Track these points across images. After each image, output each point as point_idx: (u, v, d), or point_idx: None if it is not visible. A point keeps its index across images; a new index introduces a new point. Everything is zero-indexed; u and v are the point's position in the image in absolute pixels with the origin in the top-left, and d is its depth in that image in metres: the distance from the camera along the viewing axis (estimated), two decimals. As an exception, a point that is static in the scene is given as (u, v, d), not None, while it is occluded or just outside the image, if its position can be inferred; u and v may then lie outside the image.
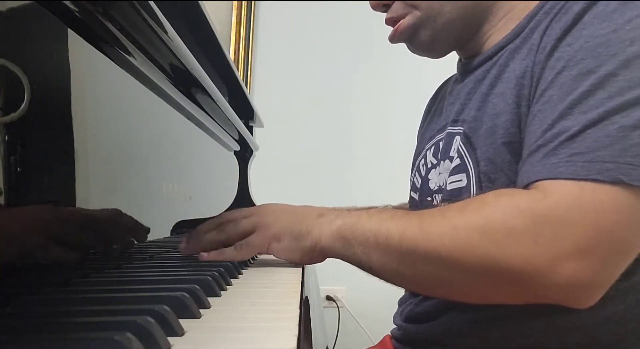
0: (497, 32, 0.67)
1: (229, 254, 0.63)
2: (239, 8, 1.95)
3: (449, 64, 0.80)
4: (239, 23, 1.95)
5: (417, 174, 0.77)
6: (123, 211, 0.58)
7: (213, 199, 1.07)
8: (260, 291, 0.50)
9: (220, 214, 0.69)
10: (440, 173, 0.69)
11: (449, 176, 0.65)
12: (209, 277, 0.46)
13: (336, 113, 1.96)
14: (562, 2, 0.57)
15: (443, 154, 0.69)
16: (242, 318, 0.38)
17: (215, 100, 0.85)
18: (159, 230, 0.72)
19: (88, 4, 0.46)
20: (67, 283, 0.45)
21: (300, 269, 0.64)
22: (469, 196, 0.60)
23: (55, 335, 0.28)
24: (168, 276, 0.50)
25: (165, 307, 0.32)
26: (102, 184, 0.53)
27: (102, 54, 0.53)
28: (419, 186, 0.76)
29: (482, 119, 0.61)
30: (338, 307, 1.84)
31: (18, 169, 0.37)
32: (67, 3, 0.44)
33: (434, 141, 0.74)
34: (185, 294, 0.37)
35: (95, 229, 0.52)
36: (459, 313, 0.63)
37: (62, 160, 0.45)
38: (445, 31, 0.68)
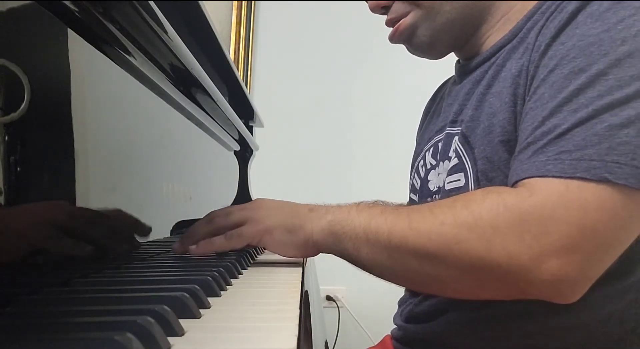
0: (495, 32, 0.67)
1: (218, 242, 0.63)
2: (239, 8, 1.95)
3: (448, 64, 0.80)
4: (239, 23, 1.95)
5: (416, 175, 0.77)
6: (123, 211, 0.58)
7: (213, 199, 1.07)
8: (260, 291, 0.50)
9: (212, 211, 0.68)
10: (439, 174, 0.69)
11: (447, 175, 0.65)
12: (209, 277, 0.46)
13: (336, 113, 1.96)
14: (558, 2, 0.57)
15: (442, 155, 0.69)
16: (242, 318, 0.38)
17: (215, 100, 0.85)
18: (159, 230, 0.72)
19: (88, 4, 0.46)
20: (67, 283, 0.45)
21: (300, 269, 0.64)
22: None
23: (55, 335, 0.28)
24: (168, 276, 0.50)
25: (165, 307, 0.32)
26: (102, 184, 0.53)
27: (102, 54, 0.53)
28: (418, 188, 0.76)
29: (479, 119, 0.61)
30: (338, 307, 1.84)
31: (18, 169, 0.37)
32: (67, 3, 0.44)
33: (432, 142, 0.74)
34: (185, 294, 0.37)
35: (97, 227, 0.52)
36: (459, 313, 0.63)
37: (62, 160, 0.45)
38: (445, 31, 0.68)
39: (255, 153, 1.37)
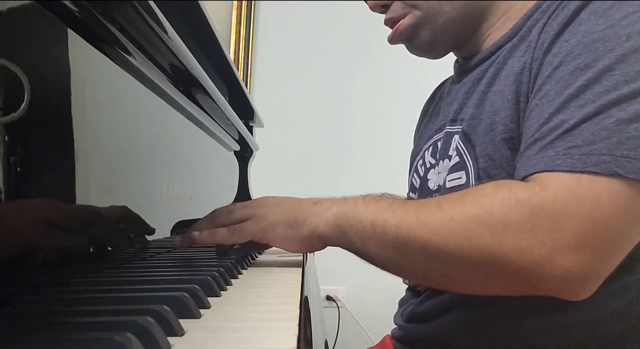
0: (495, 31, 0.67)
1: (221, 234, 0.62)
2: (239, 8, 1.95)
3: (448, 64, 0.80)
4: (239, 23, 1.95)
5: (415, 174, 0.77)
6: (128, 209, 0.58)
7: (213, 199, 1.07)
8: (260, 291, 0.50)
9: (216, 209, 0.68)
10: (439, 173, 0.69)
11: (448, 173, 0.65)
12: (209, 277, 0.46)
13: (336, 113, 1.96)
14: (559, 0, 0.57)
15: (442, 154, 0.69)
16: (242, 318, 0.38)
17: (215, 100, 0.85)
18: (159, 230, 0.72)
19: (88, 4, 0.46)
20: (67, 283, 0.45)
21: (300, 269, 0.64)
22: None
23: (55, 335, 0.28)
24: (168, 276, 0.50)
25: (165, 307, 0.32)
26: (102, 184, 0.53)
27: (102, 54, 0.53)
28: (417, 187, 0.76)
29: (480, 117, 0.61)
30: (338, 307, 1.84)
31: (18, 169, 0.37)
32: (67, 3, 0.44)
33: (432, 141, 0.74)
34: (185, 294, 0.37)
35: (99, 226, 0.52)
36: (461, 312, 0.63)
37: (62, 160, 0.45)
38: (445, 31, 0.68)
39: (255, 153, 1.37)
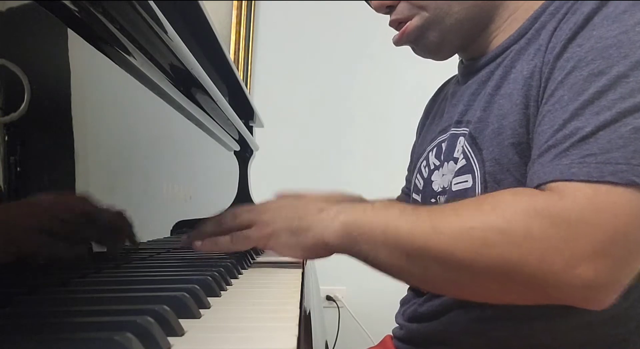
0: (502, 33, 0.67)
1: (223, 243, 0.61)
2: (239, 8, 1.95)
3: (449, 64, 0.80)
4: (239, 23, 1.95)
5: (418, 175, 0.77)
6: (122, 212, 0.58)
7: (213, 199, 1.07)
8: (260, 291, 0.50)
9: (224, 211, 0.67)
10: (443, 174, 0.69)
11: (454, 176, 0.64)
12: (209, 277, 0.46)
13: (336, 113, 1.96)
14: (569, 2, 0.57)
15: (446, 156, 0.69)
16: (242, 318, 0.38)
17: (215, 100, 0.85)
18: (159, 230, 0.72)
19: (88, 4, 0.46)
20: (67, 283, 0.45)
21: (300, 269, 0.64)
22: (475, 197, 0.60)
23: (55, 335, 0.28)
24: (168, 276, 0.50)
25: (165, 307, 0.32)
26: (102, 184, 0.53)
27: (102, 54, 0.53)
28: (421, 188, 0.75)
29: (487, 120, 0.61)
30: (338, 307, 1.84)
31: (18, 169, 0.37)
32: (67, 3, 0.44)
33: (436, 142, 0.73)
34: (185, 294, 0.37)
35: (96, 227, 0.52)
36: (463, 312, 0.63)
37: (62, 160, 0.45)
38: (453, 32, 0.67)
39: (255, 153, 1.37)
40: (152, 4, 0.53)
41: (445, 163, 0.68)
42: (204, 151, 1.00)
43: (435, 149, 0.73)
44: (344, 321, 1.83)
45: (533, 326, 0.58)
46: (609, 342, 0.57)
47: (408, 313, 0.73)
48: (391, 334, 0.81)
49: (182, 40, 0.64)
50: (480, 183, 0.60)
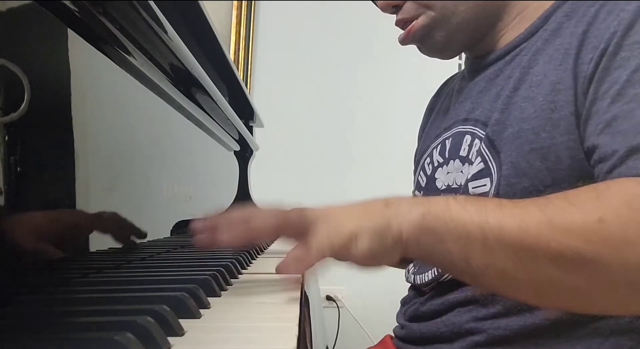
0: (510, 31, 0.66)
1: (311, 256, 0.47)
2: (239, 8, 1.95)
3: (449, 63, 0.80)
4: (239, 23, 1.95)
5: (422, 172, 0.76)
6: (123, 211, 0.58)
7: (213, 199, 1.07)
8: (260, 291, 0.50)
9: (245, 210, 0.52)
10: (448, 172, 0.69)
11: (471, 180, 0.63)
12: (209, 277, 0.46)
13: (336, 113, 1.96)
14: (594, 2, 0.56)
15: (451, 153, 0.68)
16: (242, 318, 0.38)
17: (215, 100, 0.85)
18: (159, 230, 0.72)
19: (88, 4, 0.46)
20: (67, 283, 0.45)
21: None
22: None
23: (55, 335, 0.28)
24: (168, 276, 0.50)
25: (165, 307, 0.32)
26: (102, 184, 0.53)
27: (102, 54, 0.53)
28: (424, 185, 0.75)
29: (506, 123, 0.60)
30: (338, 307, 1.84)
31: (18, 169, 0.37)
32: (67, 3, 0.44)
33: (440, 139, 0.73)
34: (185, 294, 0.37)
35: (95, 229, 0.52)
36: (465, 311, 0.63)
37: (62, 160, 0.45)
38: (460, 31, 0.67)
39: (255, 153, 1.37)
40: (152, 4, 0.53)
41: (451, 161, 0.68)
42: (204, 151, 1.00)
43: (439, 146, 0.72)
44: (344, 321, 1.83)
45: (536, 324, 0.58)
46: (612, 338, 0.57)
47: (409, 313, 0.73)
48: (391, 334, 0.81)
49: (182, 40, 0.64)
50: (496, 187, 0.59)
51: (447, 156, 0.70)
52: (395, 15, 0.70)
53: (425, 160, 0.76)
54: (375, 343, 0.86)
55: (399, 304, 0.80)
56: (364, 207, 0.49)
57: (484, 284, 0.50)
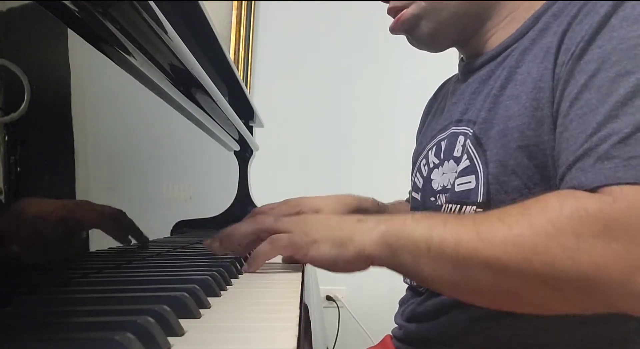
0: (500, 30, 0.67)
1: (263, 249, 0.58)
2: (239, 8, 1.95)
3: (449, 64, 0.80)
4: (239, 23, 1.95)
5: (418, 174, 0.77)
6: (123, 211, 0.58)
7: (213, 199, 1.07)
8: (260, 291, 0.50)
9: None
10: (443, 173, 0.69)
11: (458, 177, 0.64)
12: (209, 277, 0.46)
13: (336, 113, 1.96)
14: (574, 2, 0.56)
15: (446, 154, 0.69)
16: (242, 318, 0.38)
17: (215, 100, 0.85)
18: (159, 230, 0.72)
19: (88, 4, 0.46)
20: (67, 283, 0.45)
21: (300, 269, 0.64)
22: (477, 198, 0.60)
23: (55, 335, 0.28)
24: (168, 276, 0.50)
25: (165, 307, 0.32)
26: (102, 184, 0.53)
27: (102, 54, 0.53)
28: (420, 186, 0.75)
29: (492, 121, 0.60)
30: (338, 307, 1.84)
31: (18, 169, 0.37)
32: (67, 3, 0.44)
33: (435, 140, 0.73)
34: (185, 294, 0.37)
35: (97, 227, 0.52)
36: (462, 312, 0.63)
37: (62, 160, 0.45)
38: (448, 25, 0.68)
39: (255, 153, 1.37)
40: (152, 4, 0.53)
41: (445, 162, 0.68)
42: (204, 151, 1.00)
43: (435, 148, 0.73)
44: (344, 321, 1.83)
45: (533, 325, 0.58)
46: (609, 341, 0.57)
47: (407, 313, 0.73)
48: (391, 334, 0.81)
49: (182, 40, 0.64)
50: (483, 184, 0.60)
51: (442, 157, 0.70)
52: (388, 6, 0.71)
53: (421, 161, 0.76)
54: (375, 343, 0.86)
55: (398, 305, 0.80)
56: (339, 220, 0.58)
57: (436, 289, 0.57)
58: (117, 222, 0.58)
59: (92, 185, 0.50)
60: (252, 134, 1.38)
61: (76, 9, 0.45)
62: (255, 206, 1.24)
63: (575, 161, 0.50)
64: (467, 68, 0.72)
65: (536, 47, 0.60)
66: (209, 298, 0.41)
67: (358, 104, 1.96)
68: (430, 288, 0.55)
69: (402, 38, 0.74)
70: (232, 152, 1.26)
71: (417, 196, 0.77)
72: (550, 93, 0.56)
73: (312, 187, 1.85)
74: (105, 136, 0.55)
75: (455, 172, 0.66)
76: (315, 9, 1.95)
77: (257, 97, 1.91)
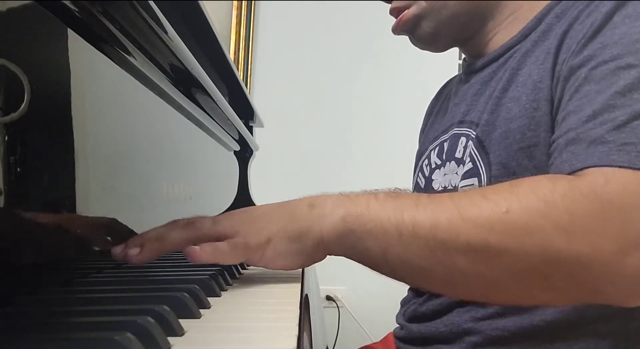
0: (502, 31, 0.67)
1: (204, 253, 0.48)
2: (239, 8, 1.95)
3: (449, 64, 0.80)
4: (239, 23, 1.95)
5: (420, 174, 0.77)
6: (123, 211, 0.58)
7: (213, 199, 1.07)
8: (260, 291, 0.50)
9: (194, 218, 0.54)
10: (445, 174, 0.69)
11: (461, 179, 0.64)
12: (209, 277, 0.46)
13: (336, 113, 1.96)
14: (577, 3, 0.57)
15: (448, 155, 0.69)
16: (242, 318, 0.38)
17: (215, 100, 0.85)
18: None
19: (88, 4, 0.46)
20: (67, 283, 0.45)
21: (300, 269, 0.64)
22: None
23: (55, 335, 0.28)
24: (168, 276, 0.50)
25: (165, 307, 0.32)
26: (102, 184, 0.53)
27: (102, 54, 0.53)
28: (422, 187, 0.76)
29: (495, 123, 0.61)
30: (338, 307, 1.84)
31: (18, 169, 0.37)
32: (67, 3, 0.44)
33: (438, 141, 0.74)
34: (185, 294, 0.37)
35: (95, 230, 0.52)
36: (464, 311, 0.63)
37: (62, 160, 0.45)
38: (449, 24, 0.68)
39: (255, 153, 1.37)
40: (152, 4, 0.53)
41: (448, 163, 0.68)
42: (204, 151, 1.00)
43: (437, 148, 0.73)
44: (344, 321, 1.83)
45: (534, 324, 0.58)
46: (609, 341, 0.57)
47: (408, 313, 0.73)
48: (393, 333, 0.81)
49: (182, 40, 0.64)
50: (486, 186, 0.60)
51: (444, 158, 0.70)
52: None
53: (423, 162, 0.77)
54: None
55: (399, 305, 0.80)
56: (288, 209, 0.51)
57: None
58: (112, 233, 0.56)
59: (92, 185, 0.50)
60: (252, 134, 1.38)
61: (76, 9, 0.45)
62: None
63: (567, 144, 0.49)
64: (470, 69, 0.72)
65: (538, 49, 0.60)
66: (209, 298, 0.41)
67: (358, 104, 1.96)
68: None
69: (402, 38, 0.74)
70: (232, 152, 1.26)
71: None
72: (548, 92, 0.56)
73: (312, 187, 1.85)
74: (105, 136, 0.55)
75: (457, 173, 0.66)
76: (315, 9, 1.95)
77: (257, 97, 1.91)
